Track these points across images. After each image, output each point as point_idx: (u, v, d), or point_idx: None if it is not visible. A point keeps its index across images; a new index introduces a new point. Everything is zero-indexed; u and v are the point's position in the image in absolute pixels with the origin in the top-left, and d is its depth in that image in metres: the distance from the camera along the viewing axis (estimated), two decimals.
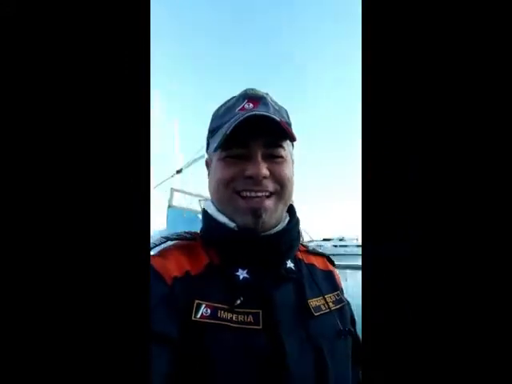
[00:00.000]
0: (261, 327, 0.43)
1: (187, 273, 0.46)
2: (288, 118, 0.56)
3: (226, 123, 0.49)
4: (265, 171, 0.47)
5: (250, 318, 0.44)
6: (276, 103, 0.54)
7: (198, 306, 0.43)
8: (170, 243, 0.52)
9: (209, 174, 0.56)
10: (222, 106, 0.55)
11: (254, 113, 0.46)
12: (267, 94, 0.54)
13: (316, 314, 0.49)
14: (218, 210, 0.52)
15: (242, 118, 0.45)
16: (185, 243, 0.53)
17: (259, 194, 0.48)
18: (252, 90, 0.54)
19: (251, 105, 0.50)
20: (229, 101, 0.54)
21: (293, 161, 0.56)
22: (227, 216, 0.51)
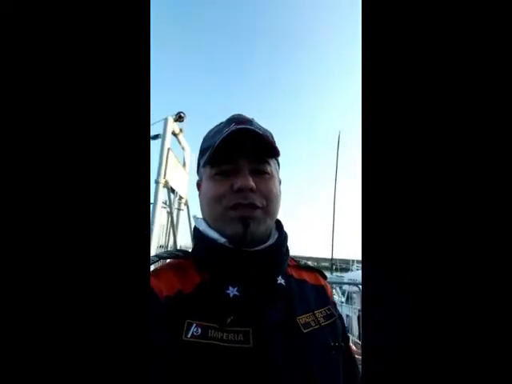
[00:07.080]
0: (251, 345, 0.43)
1: (179, 292, 0.47)
2: (272, 138, 0.59)
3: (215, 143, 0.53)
4: (252, 183, 0.50)
5: (241, 337, 0.44)
6: (261, 126, 0.58)
7: (189, 326, 0.43)
8: (162, 262, 0.53)
9: (200, 194, 0.58)
10: (211, 130, 0.58)
11: (241, 126, 0.50)
12: (253, 118, 0.59)
13: (305, 331, 0.49)
14: (210, 227, 0.54)
15: (229, 131, 0.49)
16: (177, 262, 0.54)
17: (248, 205, 0.50)
18: (239, 114, 0.58)
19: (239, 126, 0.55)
20: (218, 125, 0.58)
21: (280, 180, 0.59)
22: (218, 231, 0.52)
